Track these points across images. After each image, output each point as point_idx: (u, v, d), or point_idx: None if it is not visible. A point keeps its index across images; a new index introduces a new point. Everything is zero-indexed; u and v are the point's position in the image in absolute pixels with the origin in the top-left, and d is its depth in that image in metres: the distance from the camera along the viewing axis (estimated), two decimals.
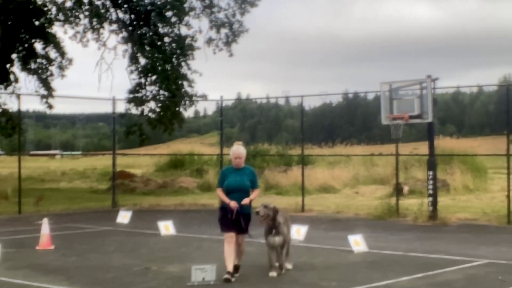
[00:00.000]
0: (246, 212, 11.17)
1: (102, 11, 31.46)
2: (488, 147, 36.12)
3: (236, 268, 11.08)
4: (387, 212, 20.68)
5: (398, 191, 22.37)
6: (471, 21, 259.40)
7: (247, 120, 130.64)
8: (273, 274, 11.09)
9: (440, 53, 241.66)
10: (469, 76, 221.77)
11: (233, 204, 10.81)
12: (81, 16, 31.10)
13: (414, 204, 20.75)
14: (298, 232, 15.83)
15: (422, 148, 24.33)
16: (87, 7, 30.85)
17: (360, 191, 29.57)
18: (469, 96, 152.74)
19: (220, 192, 11.09)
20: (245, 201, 10.96)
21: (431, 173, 19.65)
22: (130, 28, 31.34)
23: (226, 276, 10.64)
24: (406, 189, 26.66)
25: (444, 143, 31.24)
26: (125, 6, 31.50)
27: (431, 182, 19.58)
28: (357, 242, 14.06)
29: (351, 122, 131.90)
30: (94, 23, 31.54)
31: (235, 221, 10.92)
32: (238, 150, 11.13)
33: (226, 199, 10.90)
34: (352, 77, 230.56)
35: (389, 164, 29.56)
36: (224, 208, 11.05)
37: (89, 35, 32.09)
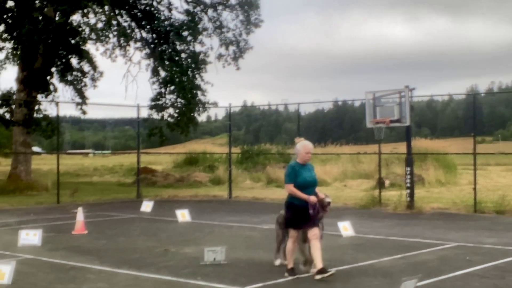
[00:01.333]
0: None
1: (128, 31, 31.55)
2: (457, 147, 36.06)
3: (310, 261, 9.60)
4: (371, 202, 20.67)
5: (380, 184, 22.35)
6: (441, 39, 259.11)
7: (251, 124, 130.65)
8: (314, 270, 9.32)
9: (416, 67, 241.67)
10: (441, 86, 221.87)
11: (313, 199, 9.25)
12: (110, 35, 31.27)
13: (394, 195, 20.72)
14: None
15: (401, 147, 24.28)
16: (115, 28, 30.97)
17: (348, 184, 29.56)
18: (441, 103, 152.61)
19: (294, 188, 9.25)
20: (322, 195, 9.55)
21: (408, 169, 19.62)
22: (152, 45, 31.35)
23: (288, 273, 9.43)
24: (387, 182, 26.65)
25: (419, 144, 31.23)
26: (148, 27, 31.53)
27: (408, 176, 19.55)
28: (346, 228, 14.05)
29: (340, 126, 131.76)
30: (122, 41, 31.64)
31: (311, 216, 9.27)
32: (310, 145, 9.71)
33: (304, 195, 9.18)
34: (341, 87, 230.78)
35: (373, 162, 29.55)
36: (295, 205, 9.29)
37: (117, 51, 32.22)
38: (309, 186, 9.35)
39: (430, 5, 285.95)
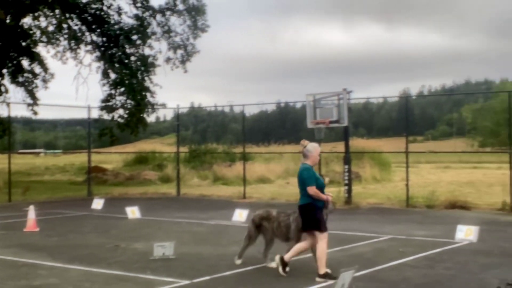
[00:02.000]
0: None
1: (79, 34, 31.03)
2: (391, 146, 36.78)
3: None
4: None
5: None
6: (376, 46, 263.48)
7: (199, 124, 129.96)
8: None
9: (353, 71, 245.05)
10: (376, 89, 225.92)
11: (331, 198, 9.06)
12: (61, 38, 30.72)
13: (333, 191, 20.81)
14: (240, 215, 15.85)
15: (340, 147, 24.57)
16: (66, 31, 30.41)
17: (290, 181, 29.75)
18: (376, 105, 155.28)
19: (317, 190, 8.85)
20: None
21: (346, 167, 19.89)
22: (102, 48, 30.87)
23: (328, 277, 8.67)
24: (327, 179, 26.88)
25: (357, 143, 31.70)
26: (98, 30, 31.03)
27: (346, 174, 19.82)
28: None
29: (283, 126, 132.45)
30: (72, 44, 31.09)
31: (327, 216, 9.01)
32: (319, 147, 9.41)
33: (324, 196, 8.90)
34: (284, 90, 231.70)
35: None
36: (318, 207, 8.90)
37: (68, 54, 31.68)
38: (323, 187, 9.10)
39: (365, 13, 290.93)
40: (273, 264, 9.41)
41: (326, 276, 8.66)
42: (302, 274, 9.12)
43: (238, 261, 9.99)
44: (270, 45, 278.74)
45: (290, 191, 25.05)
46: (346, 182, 19.79)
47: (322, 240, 8.82)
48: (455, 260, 10.24)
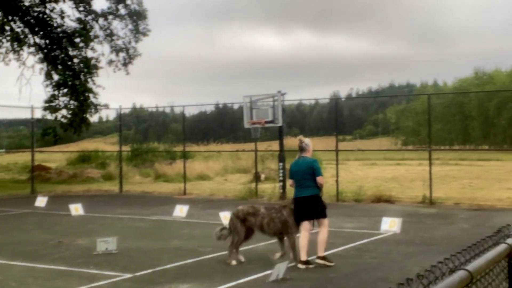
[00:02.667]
0: None
1: (22, 36, 30.06)
2: (323, 145, 37.24)
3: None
4: (248, 194, 20.96)
5: (256, 178, 22.71)
6: (309, 51, 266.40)
7: (140, 124, 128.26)
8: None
9: (287, 74, 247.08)
10: (308, 91, 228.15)
11: None
12: (4, 40, 29.68)
13: (268, 187, 21.14)
14: (181, 211, 15.78)
15: (275, 145, 24.80)
16: (8, 33, 29.42)
17: (228, 178, 29.80)
18: (308, 107, 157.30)
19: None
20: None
21: (281, 164, 20.07)
22: (45, 50, 30.05)
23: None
24: (263, 176, 27.11)
25: (290, 142, 31.92)
26: (41, 32, 30.19)
27: (281, 171, 20.00)
28: (226, 218, 14.13)
29: (221, 126, 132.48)
30: (15, 46, 30.09)
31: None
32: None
33: None
34: (222, 91, 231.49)
35: (250, 158, 29.97)
36: (321, 197, 9.27)
37: (11, 55, 30.60)
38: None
39: (299, 20, 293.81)
40: (234, 262, 9.20)
41: (325, 259, 9.06)
42: (238, 266, 9.16)
43: (239, 259, 9.32)
44: (209, 49, 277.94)
45: (228, 187, 25.09)
46: (281, 178, 19.96)
47: (326, 226, 9.20)
48: (380, 249, 10.51)
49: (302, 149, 9.47)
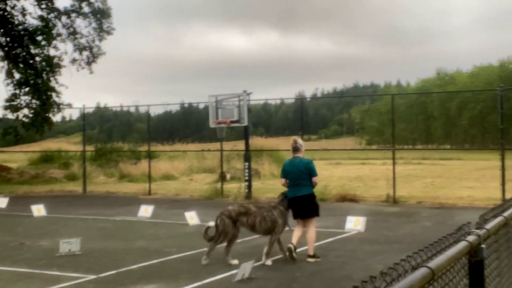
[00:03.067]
0: None
1: None
2: (288, 144, 37.45)
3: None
4: (214, 194, 20.92)
5: (222, 178, 22.69)
6: (274, 51, 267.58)
7: (105, 124, 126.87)
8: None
9: (252, 74, 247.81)
10: (274, 91, 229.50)
11: None
12: None
13: (234, 187, 21.14)
14: (146, 211, 15.66)
15: (240, 145, 24.83)
16: None
17: (194, 178, 29.70)
18: (274, 106, 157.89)
19: None
20: None
21: (246, 164, 20.09)
22: (6, 48, 29.45)
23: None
24: (228, 176, 27.10)
25: (256, 141, 32.13)
26: (2, 30, 29.58)
27: (246, 170, 20.03)
28: (192, 217, 14.13)
29: (187, 126, 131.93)
30: None
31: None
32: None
33: None
34: (187, 91, 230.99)
35: (216, 158, 29.92)
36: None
37: None
38: None
39: (263, 20, 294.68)
40: (235, 261, 9.13)
41: (315, 256, 9.47)
42: (205, 266, 9.14)
43: (234, 261, 9.16)
44: (173, 48, 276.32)
45: (193, 187, 25.00)
46: (246, 178, 19.99)
47: (315, 224, 9.77)
48: (345, 248, 10.62)
49: (296, 149, 9.86)
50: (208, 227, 9.52)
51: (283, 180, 9.83)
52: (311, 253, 9.52)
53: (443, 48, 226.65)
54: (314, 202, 9.76)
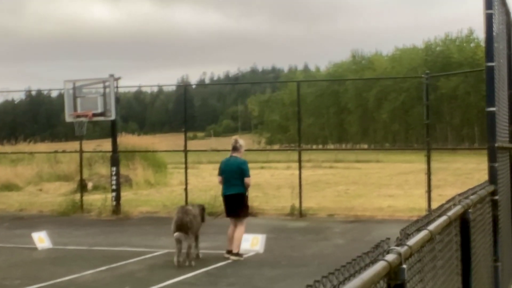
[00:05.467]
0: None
1: None
2: (168, 144, 37.29)
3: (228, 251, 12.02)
4: (71, 208, 20.47)
5: (82, 187, 22.28)
6: (147, 24, 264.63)
7: None
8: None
9: (121, 54, 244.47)
10: (149, 76, 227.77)
11: None
12: None
13: (98, 199, 20.79)
14: None
15: (106, 145, 24.41)
16: None
17: (44, 188, 28.93)
18: (150, 95, 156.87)
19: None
20: None
21: (114, 169, 19.84)
22: None
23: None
24: (90, 185, 26.62)
25: (126, 140, 31.66)
26: None
27: (114, 177, 19.77)
28: (41, 239, 13.75)
29: (35, 119, 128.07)
30: None
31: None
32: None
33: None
34: (35, 74, 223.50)
35: (73, 161, 29.24)
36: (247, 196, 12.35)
37: None
38: None
39: None
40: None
41: (238, 254, 11.88)
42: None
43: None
44: (12, 18, 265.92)
45: (43, 200, 24.33)
46: (114, 187, 19.73)
47: (244, 225, 12.12)
48: (240, 273, 10.75)
49: (235, 148, 12.23)
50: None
51: (219, 178, 12.36)
52: (235, 250, 11.81)
53: (358, 26, 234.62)
54: (244, 202, 12.14)
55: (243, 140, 12.52)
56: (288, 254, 12.61)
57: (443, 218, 4.02)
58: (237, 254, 11.84)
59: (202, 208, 12.61)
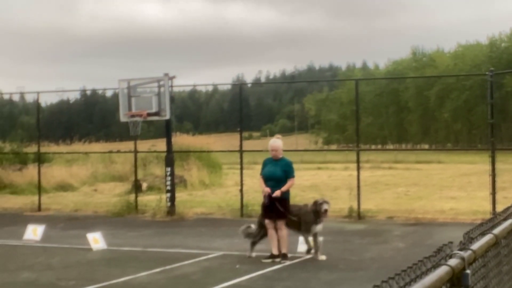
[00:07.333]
0: (281, 198, 12.10)
1: None
2: (223, 144, 37.56)
3: (283, 255, 11.99)
4: (126, 209, 20.70)
5: (136, 187, 22.48)
6: (199, 22, 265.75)
7: None
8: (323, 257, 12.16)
9: (175, 53, 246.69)
10: (204, 75, 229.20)
11: (266, 189, 12.04)
12: None
13: (152, 200, 20.98)
14: (34, 232, 15.37)
15: (160, 145, 24.65)
16: None
17: (98, 188, 29.34)
18: (204, 94, 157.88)
19: (260, 180, 12.45)
20: (277, 193, 11.94)
21: (169, 169, 19.98)
22: None
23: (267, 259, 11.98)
24: (144, 185, 26.90)
25: (181, 140, 31.93)
26: None
27: (169, 178, 19.91)
28: (96, 240, 13.94)
29: (90, 119, 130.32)
30: None
31: (269, 206, 12.03)
32: (274, 144, 12.51)
33: (262, 185, 12.23)
34: (89, 74, 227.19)
35: (128, 161, 29.60)
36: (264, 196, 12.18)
37: None
38: (267, 179, 12.21)
39: None
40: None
41: (285, 256, 12.11)
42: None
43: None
44: (66, 17, 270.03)
45: (98, 200, 24.70)
46: (169, 188, 19.87)
47: (284, 224, 12.27)
48: (296, 277, 10.71)
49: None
50: (249, 226, 12.65)
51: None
52: (284, 251, 11.99)
53: (418, 21, 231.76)
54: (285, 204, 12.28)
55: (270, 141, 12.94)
56: (346, 257, 12.52)
57: (509, 221, 3.95)
58: (285, 256, 12.03)
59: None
